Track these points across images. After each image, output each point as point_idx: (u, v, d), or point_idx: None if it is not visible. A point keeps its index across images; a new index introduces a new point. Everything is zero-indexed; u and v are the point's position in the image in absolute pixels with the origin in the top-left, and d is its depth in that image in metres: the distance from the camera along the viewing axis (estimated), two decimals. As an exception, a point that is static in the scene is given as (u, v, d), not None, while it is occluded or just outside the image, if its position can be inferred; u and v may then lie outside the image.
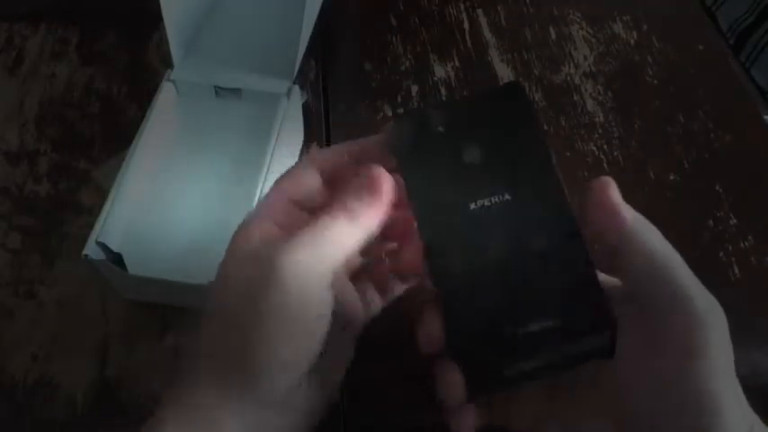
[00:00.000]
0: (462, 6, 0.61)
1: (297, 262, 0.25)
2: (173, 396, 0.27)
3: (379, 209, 0.27)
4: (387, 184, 0.27)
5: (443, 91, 0.54)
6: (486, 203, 0.26)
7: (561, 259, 0.25)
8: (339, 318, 0.27)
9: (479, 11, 0.60)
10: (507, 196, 0.26)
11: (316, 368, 0.27)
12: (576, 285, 0.25)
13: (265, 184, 0.39)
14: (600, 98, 0.54)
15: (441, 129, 0.27)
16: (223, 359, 0.27)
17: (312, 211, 0.28)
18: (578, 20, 0.60)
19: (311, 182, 0.29)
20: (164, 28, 0.41)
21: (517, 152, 0.27)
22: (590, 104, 0.53)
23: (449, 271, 0.25)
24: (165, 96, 0.43)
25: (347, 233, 0.26)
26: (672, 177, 0.49)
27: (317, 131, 0.51)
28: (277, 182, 0.29)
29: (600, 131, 0.52)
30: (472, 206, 0.26)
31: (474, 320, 0.25)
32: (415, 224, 0.27)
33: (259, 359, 0.25)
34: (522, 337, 0.24)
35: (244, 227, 0.28)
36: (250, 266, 0.26)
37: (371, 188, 0.27)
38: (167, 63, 0.44)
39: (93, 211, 0.38)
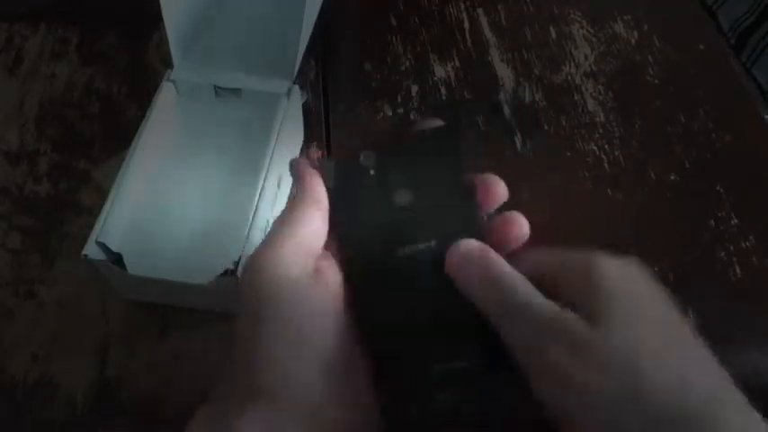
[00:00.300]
0: (462, 6, 0.61)
1: (282, 255, 0.26)
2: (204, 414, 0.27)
3: (306, 181, 0.28)
4: (303, 164, 0.29)
5: (443, 91, 0.54)
6: (412, 250, 0.27)
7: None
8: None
9: (479, 10, 0.60)
10: (433, 243, 0.27)
11: (349, 383, 0.27)
12: (491, 330, 0.26)
13: (265, 184, 0.39)
14: (600, 98, 0.54)
15: (372, 172, 0.28)
16: (240, 380, 0.27)
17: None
18: (579, 19, 0.60)
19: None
20: (164, 28, 0.41)
21: (445, 199, 0.28)
22: (590, 104, 0.53)
23: (373, 313, 0.27)
24: (165, 96, 0.43)
25: (298, 213, 0.28)
26: (672, 177, 0.49)
27: (317, 131, 0.51)
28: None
29: (600, 131, 0.52)
30: (399, 252, 0.27)
31: (399, 358, 0.26)
32: (344, 267, 0.28)
33: (264, 371, 0.26)
34: (442, 375, 0.26)
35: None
36: (251, 281, 0.27)
37: (302, 174, 0.29)
38: (167, 63, 0.44)
39: (93, 211, 0.38)
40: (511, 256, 0.28)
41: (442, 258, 0.27)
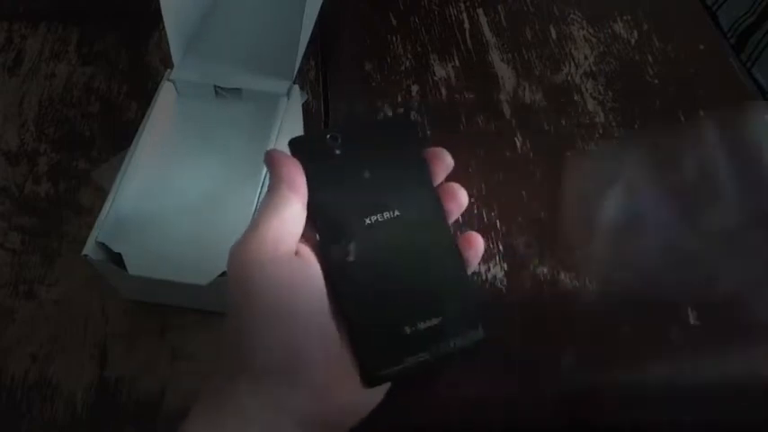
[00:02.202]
0: (462, 6, 0.61)
1: (265, 237, 0.28)
2: (201, 398, 0.29)
3: (283, 169, 0.30)
4: (276, 154, 0.30)
5: (443, 91, 0.54)
6: (378, 219, 0.30)
7: (442, 267, 0.30)
8: None
9: (480, 10, 0.60)
10: (397, 212, 0.30)
11: (333, 350, 0.28)
12: (452, 289, 0.30)
13: (265, 184, 0.39)
14: (600, 98, 0.54)
15: (338, 151, 0.31)
16: (234, 360, 0.28)
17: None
18: (579, 19, 0.60)
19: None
20: (164, 28, 0.41)
21: (403, 175, 0.31)
22: (590, 104, 0.53)
23: (348, 280, 0.29)
24: (165, 96, 0.43)
25: (276, 200, 0.29)
26: (672, 177, 0.49)
27: (317, 131, 0.51)
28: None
29: (600, 131, 0.52)
30: (366, 221, 0.30)
31: (370, 322, 0.29)
32: (317, 237, 0.29)
33: (256, 346, 0.27)
34: (410, 335, 0.28)
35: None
36: (238, 267, 0.28)
37: (277, 161, 0.30)
38: (167, 63, 0.44)
39: (93, 211, 0.38)
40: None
41: (403, 226, 0.30)
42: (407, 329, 0.29)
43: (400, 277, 0.29)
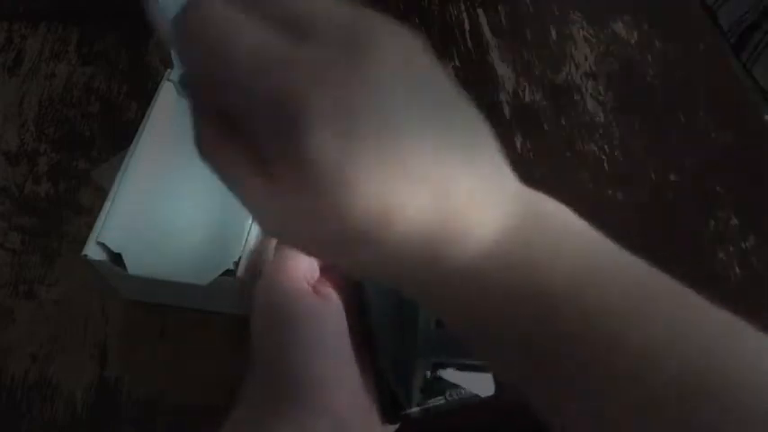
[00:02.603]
0: (462, 6, 0.61)
1: (298, 268, 0.28)
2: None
3: None
4: None
5: (443, 91, 0.54)
6: None
7: None
8: None
9: (479, 11, 0.60)
10: None
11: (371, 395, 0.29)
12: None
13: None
14: (600, 98, 0.54)
15: None
16: (272, 385, 0.28)
17: None
18: (579, 19, 0.60)
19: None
20: (164, 28, 0.41)
21: None
22: (590, 104, 0.53)
23: (371, 313, 0.30)
24: (165, 96, 0.43)
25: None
26: (672, 177, 0.49)
27: (317, 131, 0.51)
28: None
29: (600, 131, 0.52)
30: None
31: (398, 360, 0.29)
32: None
33: (295, 376, 0.27)
34: (433, 379, 0.29)
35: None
36: (274, 296, 0.29)
37: None
38: (167, 63, 0.44)
39: (93, 211, 0.38)
40: None
41: None
42: (430, 374, 0.29)
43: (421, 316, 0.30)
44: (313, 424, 0.27)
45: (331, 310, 0.29)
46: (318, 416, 0.27)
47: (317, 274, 0.30)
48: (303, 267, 0.29)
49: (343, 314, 0.29)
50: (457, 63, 0.56)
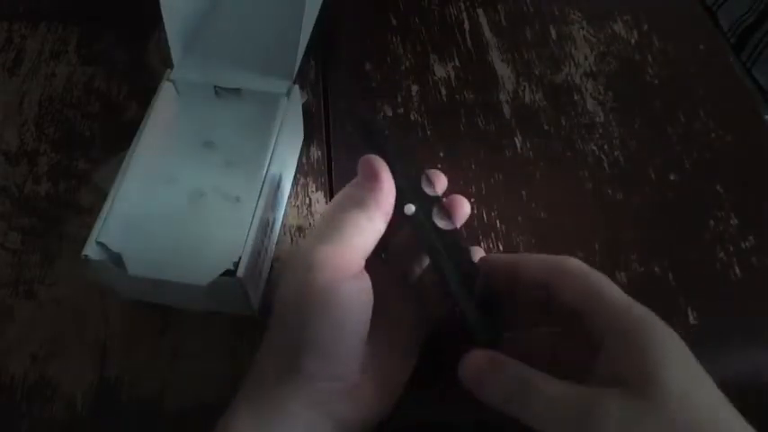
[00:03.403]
0: (462, 6, 0.61)
1: (330, 255, 0.29)
2: (244, 391, 0.31)
3: (383, 191, 0.31)
4: (381, 169, 0.31)
5: (443, 91, 0.54)
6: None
7: None
8: (399, 320, 0.33)
9: (479, 10, 0.60)
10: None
11: (380, 366, 0.31)
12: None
13: (265, 184, 0.39)
14: (600, 98, 0.54)
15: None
16: (282, 359, 0.30)
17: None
18: (579, 19, 0.60)
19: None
20: (164, 28, 0.41)
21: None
22: (590, 104, 0.53)
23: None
24: (165, 96, 0.43)
25: (365, 222, 0.30)
26: (672, 177, 0.49)
27: (317, 131, 0.51)
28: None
29: (600, 131, 0.52)
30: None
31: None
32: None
33: (307, 358, 0.29)
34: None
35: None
36: (299, 270, 0.30)
37: (370, 175, 0.31)
38: (167, 63, 0.44)
39: (93, 211, 0.38)
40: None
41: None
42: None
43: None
44: (328, 395, 0.29)
45: (361, 290, 0.29)
46: (332, 381, 0.29)
47: (365, 257, 0.31)
48: (349, 257, 0.30)
49: (371, 293, 0.30)
50: (457, 63, 0.56)
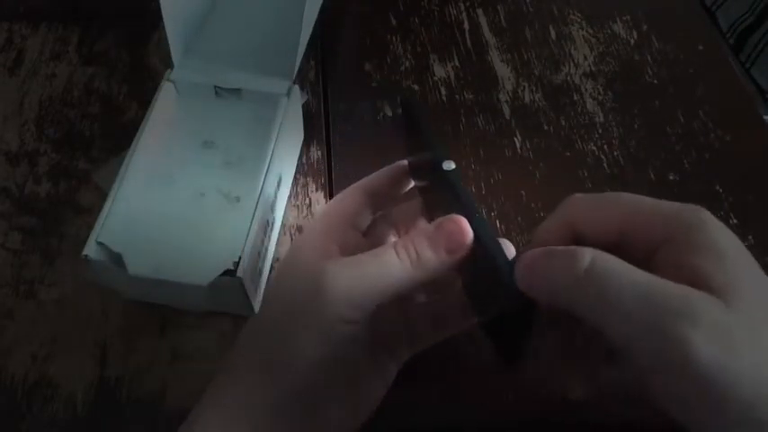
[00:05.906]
0: (462, 6, 0.61)
1: (346, 277, 0.27)
2: (212, 392, 0.30)
3: (450, 263, 0.28)
4: (466, 237, 0.27)
5: (443, 91, 0.54)
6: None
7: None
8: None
9: (479, 11, 0.60)
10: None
11: (367, 370, 0.31)
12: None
13: (265, 184, 0.39)
14: (600, 98, 0.54)
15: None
16: (262, 361, 0.30)
17: (362, 230, 0.33)
18: (578, 20, 0.60)
19: (359, 200, 0.33)
20: (164, 28, 0.41)
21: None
22: (590, 104, 0.53)
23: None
24: (165, 96, 0.43)
25: (407, 275, 0.27)
26: (672, 177, 0.49)
27: (317, 131, 0.51)
28: (330, 203, 0.33)
29: (600, 131, 0.52)
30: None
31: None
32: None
33: (292, 372, 0.28)
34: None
35: (301, 239, 0.33)
36: (301, 275, 0.29)
37: (451, 245, 0.27)
38: (167, 63, 0.44)
39: (93, 211, 0.38)
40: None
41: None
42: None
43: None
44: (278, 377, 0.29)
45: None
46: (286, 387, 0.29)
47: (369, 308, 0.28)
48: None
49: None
50: (457, 63, 0.56)
